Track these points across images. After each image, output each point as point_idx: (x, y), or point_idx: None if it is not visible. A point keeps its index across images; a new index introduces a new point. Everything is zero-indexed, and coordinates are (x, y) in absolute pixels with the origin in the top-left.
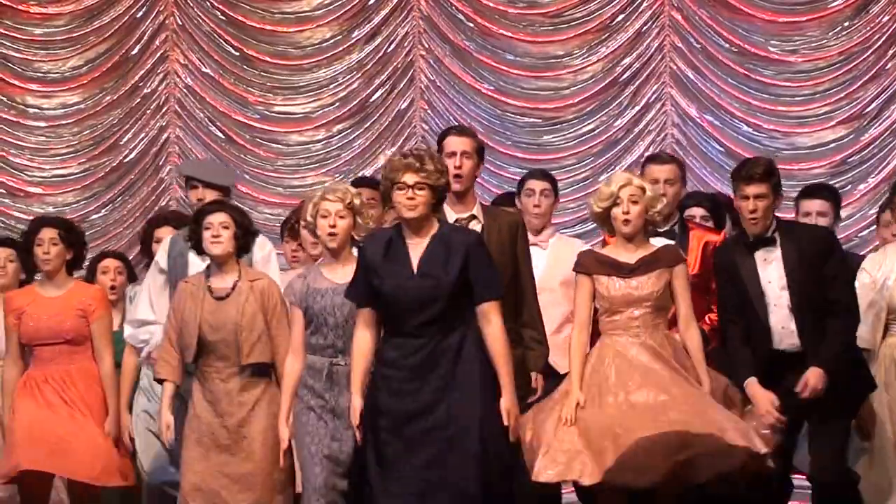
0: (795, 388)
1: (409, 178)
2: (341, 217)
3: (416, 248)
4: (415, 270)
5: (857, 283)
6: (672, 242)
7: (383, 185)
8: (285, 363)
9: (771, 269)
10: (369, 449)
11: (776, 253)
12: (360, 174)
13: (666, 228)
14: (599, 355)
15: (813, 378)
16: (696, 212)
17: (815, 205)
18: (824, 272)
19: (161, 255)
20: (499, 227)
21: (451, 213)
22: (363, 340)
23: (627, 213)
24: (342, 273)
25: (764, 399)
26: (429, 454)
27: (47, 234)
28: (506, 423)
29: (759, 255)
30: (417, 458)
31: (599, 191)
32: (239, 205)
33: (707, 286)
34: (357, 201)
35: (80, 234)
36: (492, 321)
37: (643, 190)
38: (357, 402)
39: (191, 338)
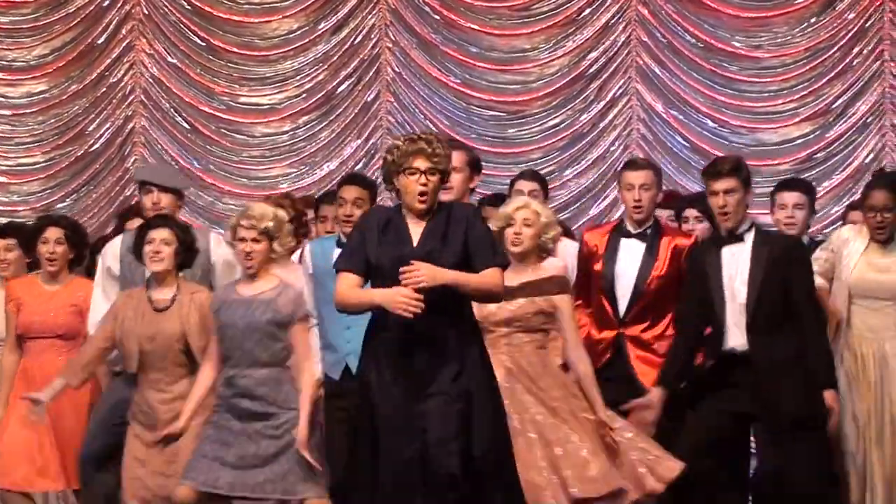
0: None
1: (422, 164)
2: (256, 241)
3: (417, 225)
4: (415, 244)
5: (818, 256)
6: (561, 274)
7: (388, 169)
8: (200, 370)
9: (735, 265)
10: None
11: (745, 251)
12: (325, 166)
13: (639, 231)
14: None
15: (830, 399)
16: (691, 213)
17: (792, 197)
18: (790, 280)
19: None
20: None
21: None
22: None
23: (519, 234)
24: (254, 287)
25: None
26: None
27: (53, 233)
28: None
29: (727, 251)
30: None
31: (497, 211)
32: (184, 221)
33: (677, 291)
34: (272, 224)
35: (85, 234)
36: (489, 271)
37: (538, 215)
38: None
39: (132, 348)
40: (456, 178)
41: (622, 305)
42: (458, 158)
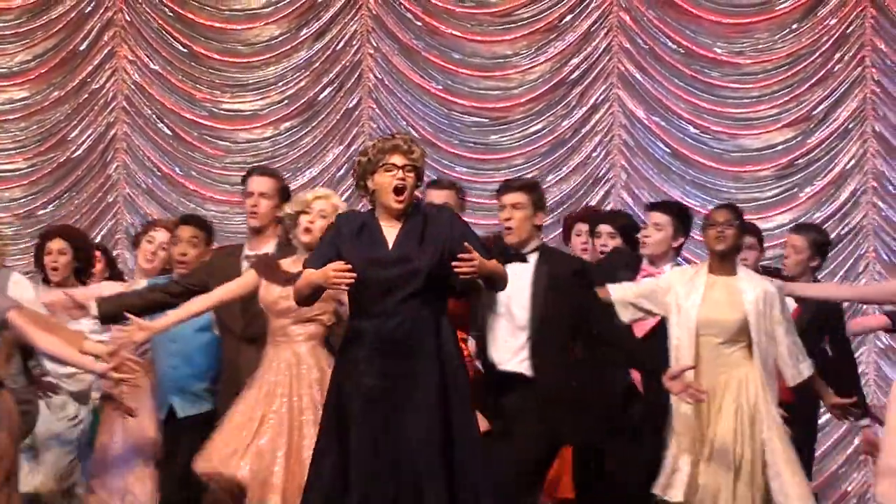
0: None
1: (399, 160)
2: None
3: (392, 227)
4: (390, 248)
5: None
6: None
7: (363, 169)
8: None
9: (517, 285)
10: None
11: (528, 272)
12: (307, 172)
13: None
14: None
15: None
16: (604, 228)
17: (655, 216)
18: (579, 303)
19: None
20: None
21: (246, 249)
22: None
23: (312, 223)
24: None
25: None
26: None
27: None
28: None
29: (510, 269)
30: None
31: (296, 195)
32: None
33: None
34: None
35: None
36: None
37: (336, 209)
38: None
39: None
40: (265, 204)
41: None
42: (267, 184)
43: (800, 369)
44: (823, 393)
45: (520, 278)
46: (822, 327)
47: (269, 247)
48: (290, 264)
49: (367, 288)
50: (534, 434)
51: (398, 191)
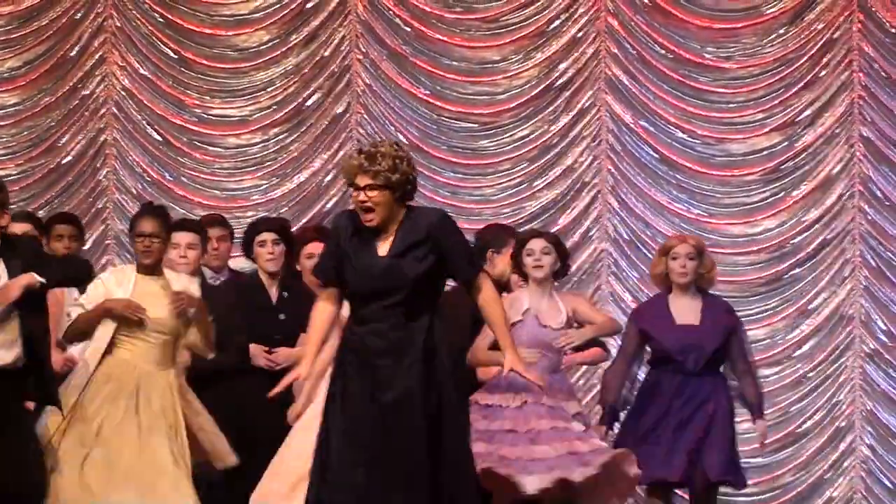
0: None
1: (361, 180)
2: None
3: (387, 233)
4: (383, 256)
5: None
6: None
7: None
8: None
9: None
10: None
11: None
12: (295, 178)
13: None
14: None
15: None
16: (267, 237)
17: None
18: None
19: None
20: None
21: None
22: (322, 313)
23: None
24: None
25: None
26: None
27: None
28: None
29: None
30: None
31: None
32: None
33: None
34: None
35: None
36: (480, 289)
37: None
38: (303, 370)
39: None
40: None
41: None
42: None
43: None
44: None
45: None
46: None
47: None
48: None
49: (355, 295)
50: None
51: (364, 210)
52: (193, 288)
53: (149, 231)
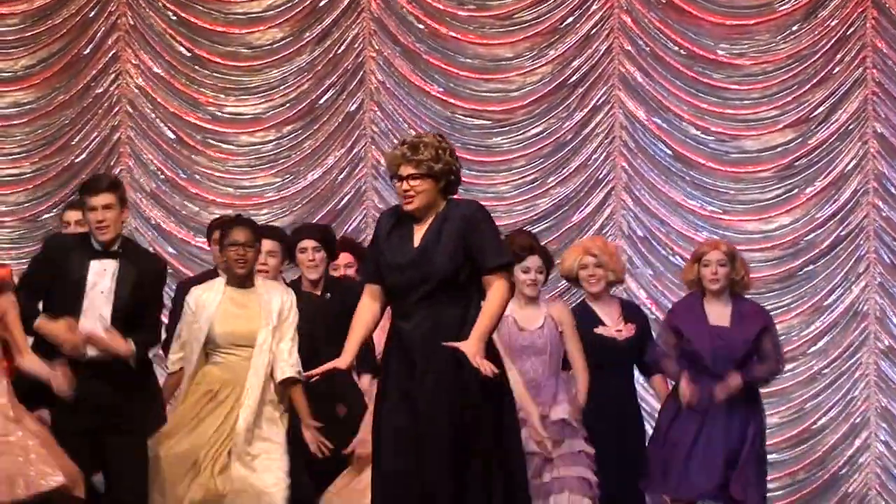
0: None
1: (404, 170)
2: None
3: (421, 225)
4: (415, 247)
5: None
6: None
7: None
8: None
9: (105, 280)
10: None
11: (113, 267)
12: (308, 175)
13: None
14: None
15: None
16: (308, 244)
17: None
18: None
19: None
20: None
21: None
22: (365, 309)
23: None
24: None
25: None
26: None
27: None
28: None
29: (98, 264)
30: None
31: None
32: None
33: None
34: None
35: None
36: (492, 283)
37: None
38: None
39: None
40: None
41: None
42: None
43: None
44: None
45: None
46: None
47: None
48: None
49: (392, 288)
50: None
51: (406, 200)
52: (287, 298)
53: (242, 240)
